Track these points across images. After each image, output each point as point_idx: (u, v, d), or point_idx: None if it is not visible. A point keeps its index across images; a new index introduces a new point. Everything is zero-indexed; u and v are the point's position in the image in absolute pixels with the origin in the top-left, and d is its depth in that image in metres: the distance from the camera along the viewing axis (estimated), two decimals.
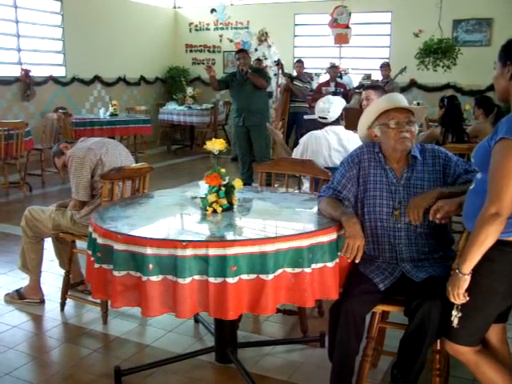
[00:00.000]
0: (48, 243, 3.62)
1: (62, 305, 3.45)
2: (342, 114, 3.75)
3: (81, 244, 3.39)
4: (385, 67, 8.85)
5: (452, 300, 1.99)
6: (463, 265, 1.93)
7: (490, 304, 2.00)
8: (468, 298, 1.96)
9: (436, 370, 2.24)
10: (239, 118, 6.67)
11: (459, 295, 1.96)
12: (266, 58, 9.90)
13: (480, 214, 1.87)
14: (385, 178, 2.42)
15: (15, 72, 8.95)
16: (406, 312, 2.21)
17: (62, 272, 3.52)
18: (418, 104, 6.90)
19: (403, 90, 9.37)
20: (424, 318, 2.10)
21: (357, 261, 2.26)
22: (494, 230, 1.85)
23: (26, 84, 8.90)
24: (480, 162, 2.01)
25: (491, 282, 1.96)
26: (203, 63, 11.97)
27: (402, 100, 2.47)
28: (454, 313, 2.00)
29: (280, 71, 8.97)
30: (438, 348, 2.21)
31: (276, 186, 3.38)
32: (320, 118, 3.72)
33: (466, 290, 1.96)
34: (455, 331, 2.03)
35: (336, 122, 3.71)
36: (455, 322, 2.00)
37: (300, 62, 9.17)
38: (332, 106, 3.68)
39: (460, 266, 1.94)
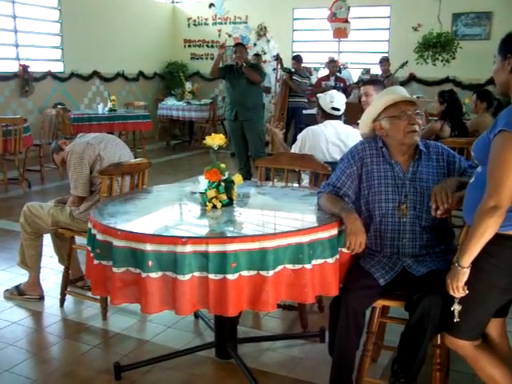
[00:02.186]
0: (47, 239, 3.61)
1: (62, 301, 3.45)
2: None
3: (80, 240, 3.38)
4: (384, 62, 8.80)
5: (451, 293, 1.98)
6: (462, 258, 1.93)
7: (489, 298, 2.00)
8: (467, 292, 1.96)
9: (436, 364, 2.24)
10: (231, 111, 6.60)
11: (458, 288, 1.96)
12: (264, 53, 9.89)
13: (479, 207, 1.87)
14: (390, 172, 2.40)
15: (13, 68, 8.92)
16: (407, 307, 2.21)
17: (62, 268, 3.52)
18: (418, 98, 6.87)
19: (402, 84, 9.32)
20: (424, 313, 2.10)
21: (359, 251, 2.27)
22: (493, 223, 1.84)
23: (25, 80, 8.86)
24: (480, 155, 2.01)
25: (490, 276, 1.96)
26: (202, 58, 11.97)
27: (406, 93, 2.46)
28: (455, 306, 1.99)
29: (279, 66, 8.93)
30: (439, 342, 2.21)
31: (275, 180, 3.36)
32: (333, 108, 3.65)
33: (466, 284, 1.96)
34: (455, 325, 2.03)
35: (339, 117, 3.71)
36: (456, 315, 2.00)
37: (296, 58, 8.94)
38: (344, 99, 3.69)
39: (459, 259, 1.94)
